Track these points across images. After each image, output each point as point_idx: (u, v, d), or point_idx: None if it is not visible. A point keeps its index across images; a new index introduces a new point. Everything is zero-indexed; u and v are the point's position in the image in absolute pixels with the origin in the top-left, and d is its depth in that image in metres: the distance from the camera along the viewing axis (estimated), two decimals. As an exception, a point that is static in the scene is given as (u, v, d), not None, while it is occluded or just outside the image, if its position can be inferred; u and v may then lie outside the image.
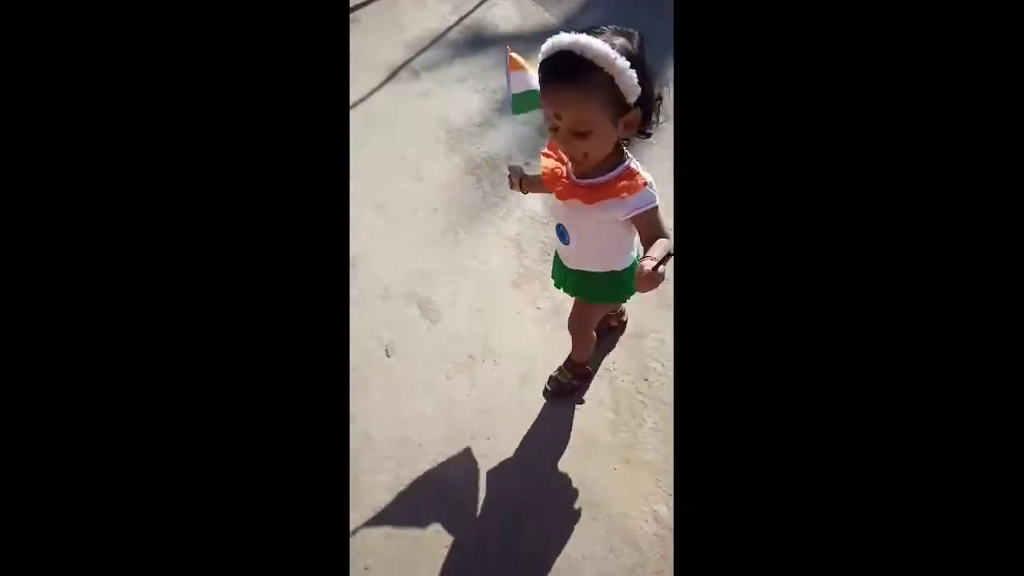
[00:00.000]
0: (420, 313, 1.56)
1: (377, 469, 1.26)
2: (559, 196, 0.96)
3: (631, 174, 0.90)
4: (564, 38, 0.79)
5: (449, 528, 1.17)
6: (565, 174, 0.96)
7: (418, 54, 2.73)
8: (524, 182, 1.09)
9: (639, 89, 0.81)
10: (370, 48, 2.85)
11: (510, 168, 1.10)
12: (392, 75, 2.61)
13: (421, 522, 1.19)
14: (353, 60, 2.77)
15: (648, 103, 0.85)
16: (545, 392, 1.35)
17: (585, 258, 1.06)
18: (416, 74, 2.59)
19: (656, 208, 0.90)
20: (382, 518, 1.20)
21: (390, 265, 1.69)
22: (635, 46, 0.82)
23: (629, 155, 0.93)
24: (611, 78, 0.78)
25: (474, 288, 1.59)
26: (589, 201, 0.90)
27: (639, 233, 0.93)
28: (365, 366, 1.44)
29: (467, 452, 1.29)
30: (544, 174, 0.97)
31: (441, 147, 2.11)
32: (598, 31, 0.81)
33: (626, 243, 1.01)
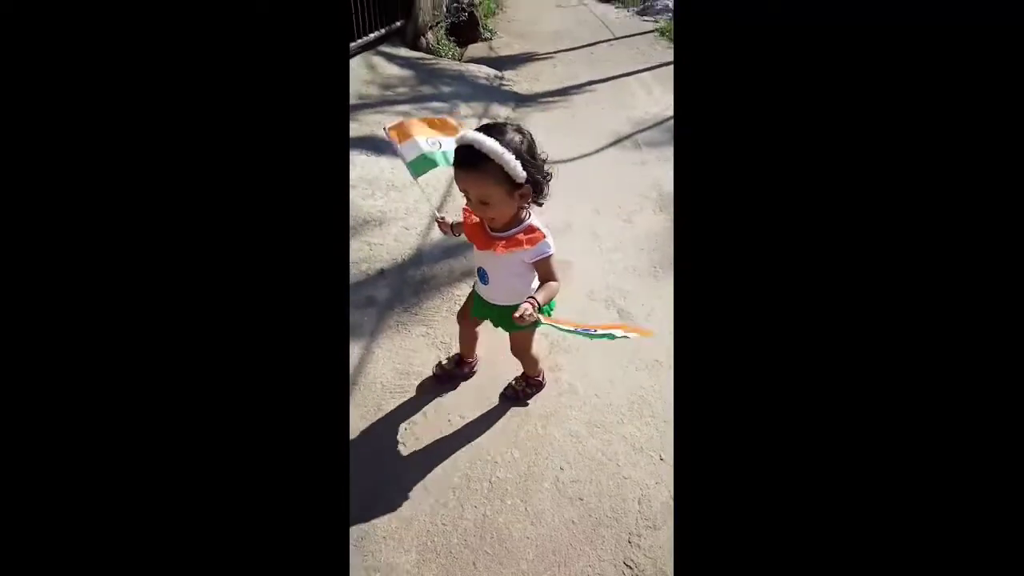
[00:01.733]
0: (618, 316, 1.81)
1: (572, 419, 1.47)
2: (479, 247, 1.22)
3: (531, 229, 1.19)
4: (468, 134, 1.07)
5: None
6: (483, 227, 1.21)
7: (640, 131, 3.18)
8: (454, 227, 1.35)
9: (524, 174, 1.08)
10: (602, 117, 3.38)
11: (438, 219, 1.36)
12: (617, 141, 3.06)
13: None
14: (586, 123, 3.30)
15: (536, 181, 1.13)
16: (501, 396, 1.55)
17: (501, 294, 1.30)
18: (637, 145, 3.01)
19: (550, 256, 1.19)
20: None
21: (598, 275, 1.98)
22: (523, 141, 1.11)
23: (530, 215, 1.20)
24: (500, 167, 1.06)
25: (667, 309, 1.81)
26: (502, 251, 1.18)
27: (537, 275, 1.22)
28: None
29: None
30: (466, 229, 1.24)
31: (651, 204, 2.43)
32: (499, 129, 1.10)
33: (530, 281, 1.26)
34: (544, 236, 1.20)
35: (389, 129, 1.32)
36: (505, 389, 1.55)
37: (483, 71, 3.94)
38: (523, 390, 1.54)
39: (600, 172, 2.72)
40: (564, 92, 3.85)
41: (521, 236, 1.18)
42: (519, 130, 1.14)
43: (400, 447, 1.39)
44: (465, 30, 5.15)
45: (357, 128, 2.73)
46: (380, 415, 1.46)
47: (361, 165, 2.45)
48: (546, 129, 3.23)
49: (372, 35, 3.66)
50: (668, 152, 2.85)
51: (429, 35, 4.58)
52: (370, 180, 2.39)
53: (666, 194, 2.47)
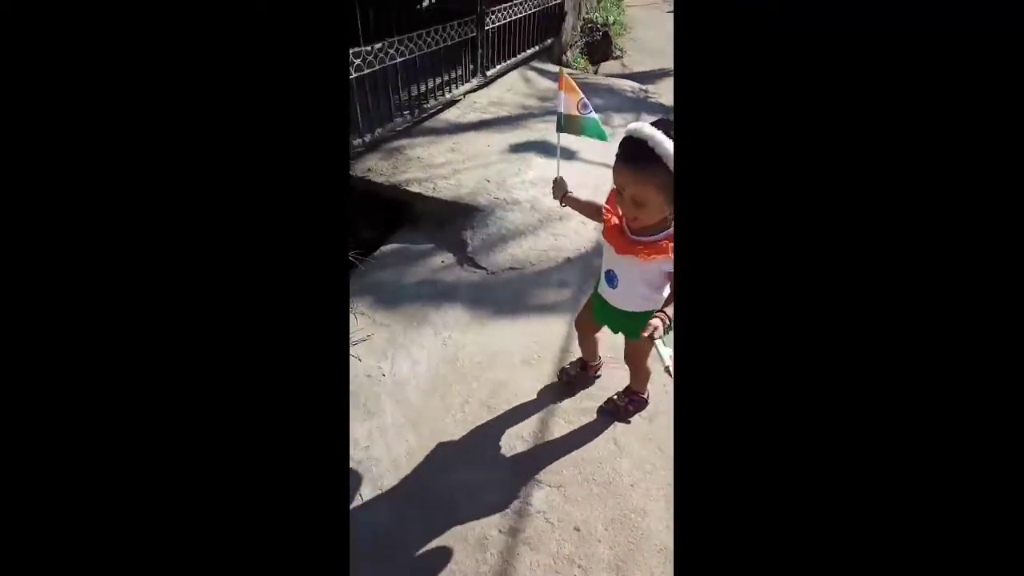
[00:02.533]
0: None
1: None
2: (618, 250, 1.13)
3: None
4: (644, 129, 0.97)
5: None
6: (621, 229, 1.13)
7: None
8: (566, 197, 1.28)
9: None
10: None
11: (555, 183, 1.28)
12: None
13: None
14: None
15: None
16: (600, 410, 1.48)
17: (629, 300, 1.23)
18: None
19: None
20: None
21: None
22: None
23: (673, 221, 1.09)
24: (670, 170, 0.96)
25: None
26: (644, 258, 1.09)
27: (670, 285, 1.15)
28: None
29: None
30: (606, 229, 1.15)
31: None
32: (662, 124, 0.98)
33: (662, 288, 1.18)
34: None
35: (560, 77, 1.23)
36: (606, 403, 1.48)
37: (628, 84, 4.06)
38: (625, 406, 1.46)
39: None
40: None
41: (666, 243, 1.08)
42: (663, 119, 1.04)
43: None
44: (599, 48, 5.34)
45: (528, 134, 2.93)
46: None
47: (538, 167, 2.63)
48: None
49: (529, 51, 3.91)
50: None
51: (569, 53, 4.80)
52: (547, 179, 2.56)
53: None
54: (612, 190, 1.12)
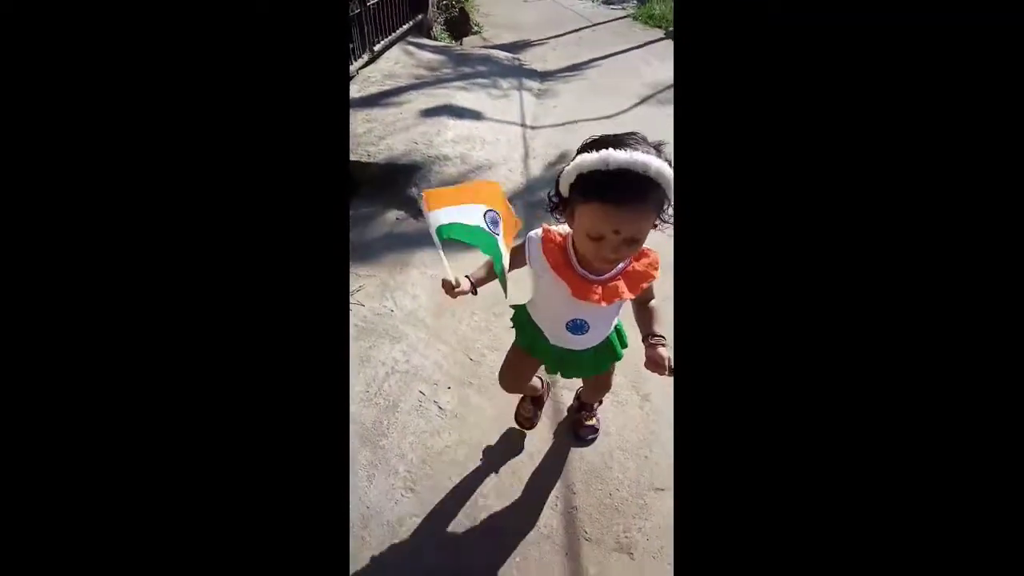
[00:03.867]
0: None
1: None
2: (582, 296, 0.91)
3: (644, 252, 0.93)
4: (634, 159, 0.75)
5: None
6: (577, 273, 0.93)
7: (658, 92, 3.75)
8: (471, 285, 0.99)
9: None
10: (620, 84, 3.92)
11: (447, 284, 0.96)
12: (642, 101, 3.61)
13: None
14: (609, 89, 3.83)
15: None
16: (585, 441, 1.39)
17: (597, 337, 1.07)
18: (660, 103, 3.59)
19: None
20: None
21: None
22: (667, 156, 0.80)
23: None
24: (663, 194, 0.79)
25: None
26: (628, 296, 0.92)
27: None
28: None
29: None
30: (561, 275, 0.92)
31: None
32: (642, 145, 0.80)
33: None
34: (656, 254, 0.95)
35: (423, 194, 0.96)
36: (579, 429, 1.39)
37: (502, 54, 4.40)
38: (591, 427, 1.39)
39: (639, 125, 3.26)
40: (576, 68, 4.37)
41: (638, 267, 0.93)
42: (658, 145, 0.83)
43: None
44: (458, 24, 5.59)
45: (433, 100, 3.12)
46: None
47: (453, 127, 2.86)
48: (578, 96, 3.74)
49: (404, 27, 4.05)
50: (689, 104, 3.44)
51: (435, 29, 4.99)
52: (467, 137, 2.80)
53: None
54: (550, 235, 0.95)
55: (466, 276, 1.00)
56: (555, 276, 0.93)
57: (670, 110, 3.42)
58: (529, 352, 1.16)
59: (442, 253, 0.93)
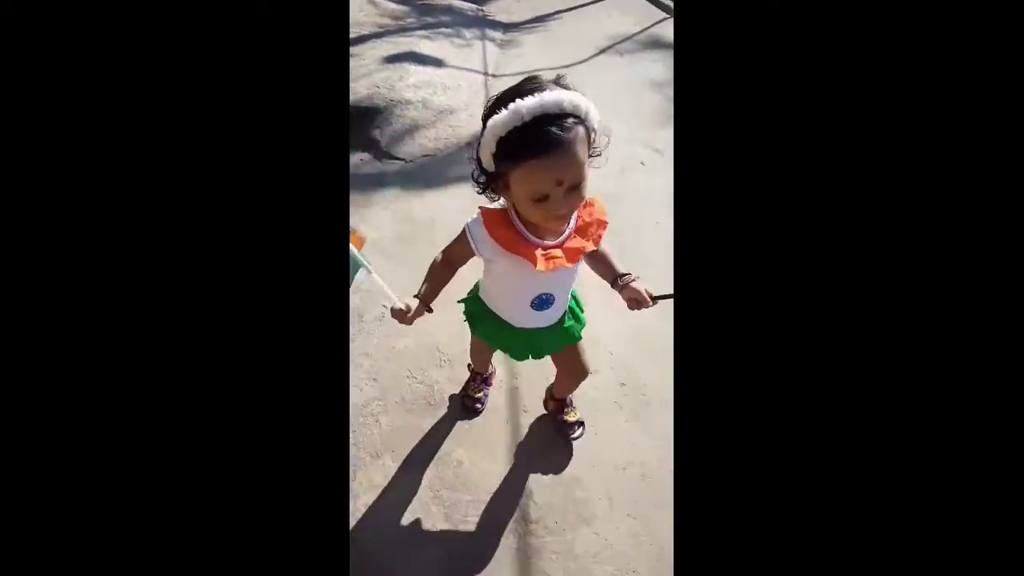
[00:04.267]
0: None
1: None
2: (561, 265, 0.85)
3: (589, 202, 0.87)
4: (545, 99, 0.71)
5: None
6: (528, 241, 0.86)
7: (617, 43, 3.85)
8: (421, 302, 0.94)
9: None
10: (581, 36, 4.01)
11: (397, 312, 0.92)
12: (603, 51, 3.72)
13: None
14: (570, 40, 3.92)
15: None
16: (573, 435, 1.32)
17: (561, 307, 1.02)
18: (620, 53, 3.69)
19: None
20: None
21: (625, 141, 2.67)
22: (572, 86, 0.77)
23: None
24: (588, 129, 0.76)
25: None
26: (595, 243, 0.88)
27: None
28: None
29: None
30: (519, 251, 0.85)
31: (647, 88, 3.13)
32: (545, 84, 0.76)
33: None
34: (598, 198, 0.89)
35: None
36: (464, 399, 1.36)
37: (466, 5, 4.40)
38: (576, 422, 1.31)
39: (597, 72, 3.38)
40: (540, 20, 4.41)
41: (587, 218, 0.88)
42: (560, 80, 0.79)
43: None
44: (424, -25, 5.50)
45: (395, 48, 3.17)
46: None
47: (415, 73, 2.93)
48: (541, 46, 3.81)
49: (366, -26, 4.00)
50: (646, 56, 3.55)
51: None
52: (428, 83, 2.88)
53: (654, 80, 3.18)
54: (491, 213, 0.87)
55: (414, 296, 0.95)
56: (510, 255, 0.85)
57: (627, 59, 3.54)
58: (490, 344, 1.11)
59: (382, 283, 0.91)
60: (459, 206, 2.11)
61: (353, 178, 2.26)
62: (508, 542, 1.17)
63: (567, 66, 3.41)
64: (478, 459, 1.30)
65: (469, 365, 1.38)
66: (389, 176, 2.29)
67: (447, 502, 1.22)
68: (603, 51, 3.71)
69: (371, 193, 2.16)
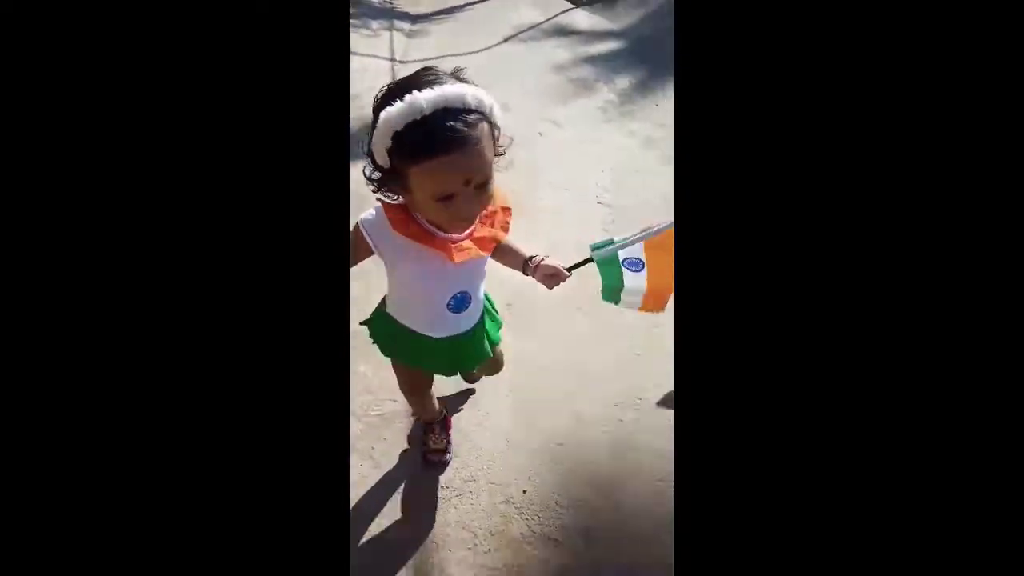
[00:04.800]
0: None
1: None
2: (475, 254, 0.81)
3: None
4: (446, 93, 0.66)
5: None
6: (435, 236, 0.80)
7: (522, 32, 4.01)
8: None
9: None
10: (487, 26, 4.15)
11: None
12: (507, 39, 3.87)
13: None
14: (478, 30, 4.04)
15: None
16: (426, 464, 1.26)
17: (477, 308, 0.96)
18: (523, 41, 3.85)
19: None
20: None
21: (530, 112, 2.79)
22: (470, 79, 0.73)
23: None
24: (490, 125, 0.72)
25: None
26: (487, 247, 0.84)
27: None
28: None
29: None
30: (436, 246, 0.80)
31: (548, 70, 3.28)
32: (442, 76, 0.71)
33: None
34: (498, 187, 0.79)
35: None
36: (427, 453, 1.25)
37: (373, -3, 4.43)
38: (447, 448, 1.26)
39: (503, 59, 3.51)
40: (448, 11, 4.50)
41: (492, 207, 0.83)
42: (458, 72, 0.75)
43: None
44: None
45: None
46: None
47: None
48: (450, 35, 3.91)
49: (267, -35, 3.95)
50: (550, 43, 3.73)
51: (305, -27, 4.86)
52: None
53: (557, 63, 3.35)
54: (393, 208, 0.81)
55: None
56: (421, 249, 0.80)
57: (529, 46, 3.70)
58: (408, 363, 1.02)
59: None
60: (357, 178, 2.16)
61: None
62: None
63: (473, 52, 3.52)
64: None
65: (414, 414, 1.27)
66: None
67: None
68: (508, 39, 3.85)
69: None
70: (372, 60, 3.16)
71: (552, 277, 0.91)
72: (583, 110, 2.85)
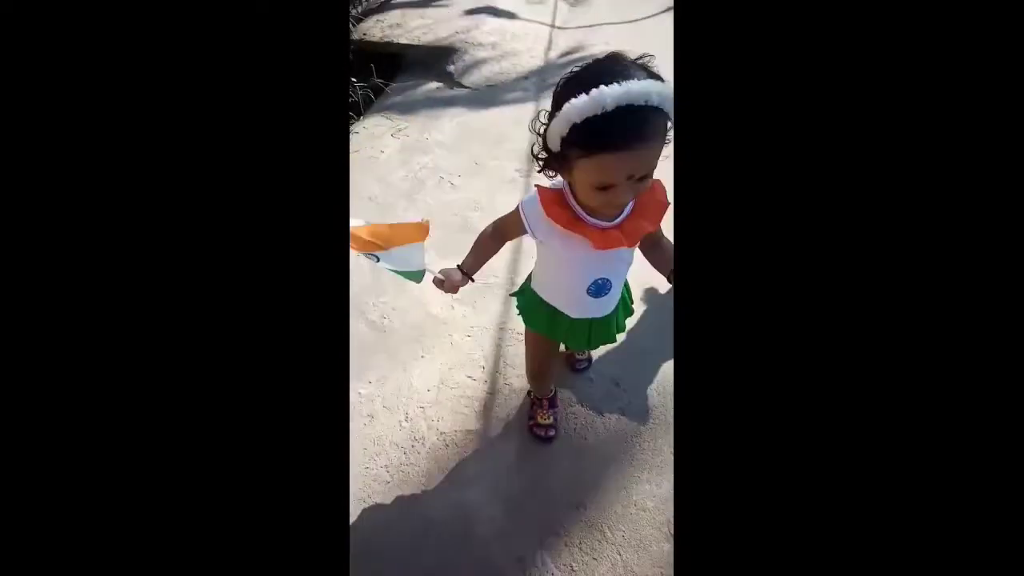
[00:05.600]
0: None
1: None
2: (604, 245, 0.82)
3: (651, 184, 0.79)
4: (631, 90, 0.65)
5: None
6: (585, 222, 0.83)
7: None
8: (463, 273, 0.97)
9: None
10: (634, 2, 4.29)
11: (440, 282, 0.96)
12: (659, 13, 4.00)
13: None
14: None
15: None
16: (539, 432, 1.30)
17: (616, 294, 0.99)
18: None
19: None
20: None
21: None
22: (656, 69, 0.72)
23: None
24: (668, 115, 0.70)
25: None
26: (654, 224, 0.84)
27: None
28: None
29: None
30: (580, 232, 0.82)
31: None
32: (631, 68, 0.70)
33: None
34: (659, 180, 0.82)
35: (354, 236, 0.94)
36: (534, 427, 1.30)
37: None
38: (553, 423, 1.29)
39: (658, 29, 3.66)
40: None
41: (648, 199, 0.84)
42: (644, 61, 0.73)
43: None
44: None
45: (475, 3, 3.66)
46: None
47: (490, 23, 3.40)
48: (611, 6, 4.14)
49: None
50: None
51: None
52: (500, 31, 3.34)
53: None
54: (548, 193, 0.84)
55: (457, 267, 0.98)
56: (568, 234, 0.83)
57: (688, 15, 3.79)
58: (548, 335, 1.07)
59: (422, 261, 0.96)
60: (511, 116, 2.60)
61: (427, 101, 2.80)
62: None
63: (631, 21, 3.73)
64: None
65: (529, 392, 1.36)
66: (458, 99, 2.81)
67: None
68: (668, 9, 3.97)
69: (442, 110, 2.69)
70: (534, 26, 3.55)
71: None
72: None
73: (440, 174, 2.23)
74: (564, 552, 1.16)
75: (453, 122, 2.59)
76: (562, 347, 1.32)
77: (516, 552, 1.16)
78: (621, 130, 0.68)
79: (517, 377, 1.47)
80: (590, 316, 1.01)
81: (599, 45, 3.24)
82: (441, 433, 1.37)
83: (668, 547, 1.15)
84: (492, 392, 1.44)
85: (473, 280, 0.98)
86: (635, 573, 1.13)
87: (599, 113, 0.67)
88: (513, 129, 2.51)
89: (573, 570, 1.14)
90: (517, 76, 2.99)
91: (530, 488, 1.25)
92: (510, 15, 3.59)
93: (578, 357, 1.42)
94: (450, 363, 1.53)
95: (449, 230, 1.94)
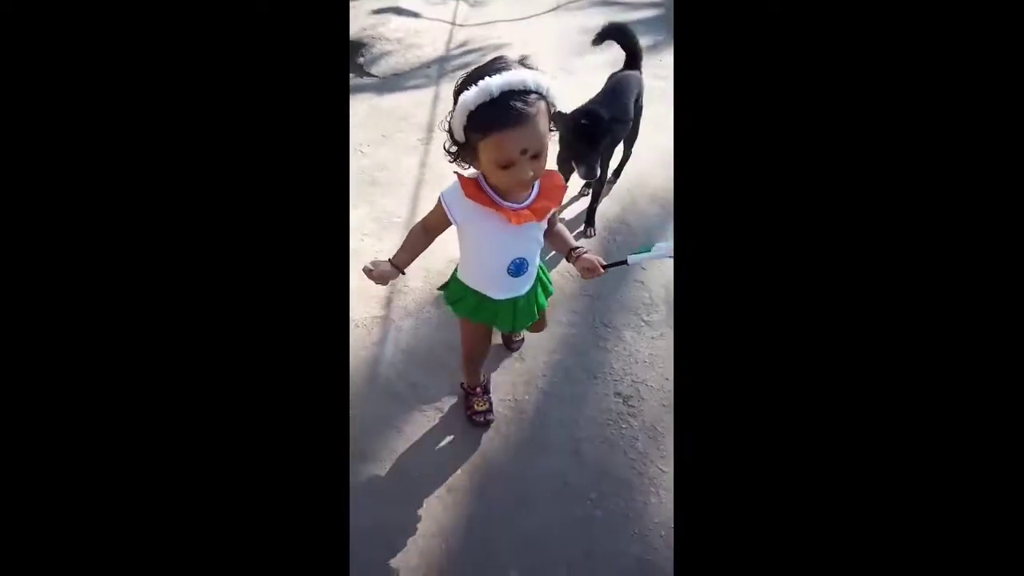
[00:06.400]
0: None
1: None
2: (531, 218, 0.96)
3: (549, 172, 0.96)
4: (511, 78, 0.82)
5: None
6: (497, 204, 0.95)
7: (569, 2, 4.64)
8: (394, 269, 1.05)
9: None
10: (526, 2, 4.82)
11: (372, 273, 1.04)
12: (545, 12, 4.53)
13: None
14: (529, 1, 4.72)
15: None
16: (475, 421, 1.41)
17: (533, 273, 1.10)
18: (571, 11, 4.50)
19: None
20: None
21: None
22: (534, 65, 0.88)
23: None
24: (547, 99, 0.87)
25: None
26: (544, 212, 0.97)
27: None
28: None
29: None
30: (500, 212, 0.95)
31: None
32: (511, 64, 0.86)
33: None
34: (556, 172, 1.04)
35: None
36: (473, 415, 1.42)
37: (447, -25, 5.23)
38: (490, 409, 1.42)
39: (544, 25, 4.18)
40: (509, -14, 5.22)
41: (547, 184, 0.99)
42: (524, 59, 0.91)
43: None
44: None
45: (380, 3, 4.02)
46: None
47: (395, 22, 3.77)
48: (506, 7, 4.63)
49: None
50: (593, 11, 4.34)
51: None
52: (404, 28, 3.73)
53: (587, 27, 3.99)
54: (465, 179, 0.98)
55: (387, 260, 1.07)
56: (487, 212, 0.96)
57: (574, 15, 4.35)
58: (474, 318, 1.18)
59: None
60: (414, 98, 3.00)
61: (341, 87, 3.15)
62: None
63: (520, 19, 4.24)
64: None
65: (462, 384, 1.48)
66: (367, 86, 3.18)
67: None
68: (554, 9, 4.52)
69: (353, 96, 3.05)
70: (436, 23, 3.97)
71: (590, 271, 1.05)
72: (594, 62, 3.49)
73: (352, 144, 2.59)
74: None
75: (364, 104, 2.95)
76: (497, 338, 1.56)
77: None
78: (506, 110, 0.84)
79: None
80: (513, 295, 1.13)
81: (492, 39, 3.71)
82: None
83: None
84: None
85: (404, 273, 1.09)
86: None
87: (487, 100, 0.83)
88: (416, 109, 2.91)
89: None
90: (420, 65, 3.39)
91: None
92: (414, 14, 3.99)
93: (515, 339, 1.62)
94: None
95: (362, 185, 2.30)
